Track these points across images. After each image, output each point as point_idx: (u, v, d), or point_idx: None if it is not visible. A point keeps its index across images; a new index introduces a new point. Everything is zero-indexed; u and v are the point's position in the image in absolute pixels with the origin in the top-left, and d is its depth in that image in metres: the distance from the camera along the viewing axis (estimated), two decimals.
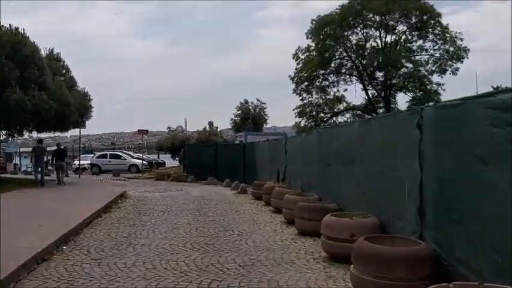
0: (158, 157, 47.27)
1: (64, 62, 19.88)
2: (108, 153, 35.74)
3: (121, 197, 13.81)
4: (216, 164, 22.78)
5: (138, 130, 30.12)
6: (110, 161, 32.89)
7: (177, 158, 38.55)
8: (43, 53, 18.42)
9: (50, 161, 23.05)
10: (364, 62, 37.70)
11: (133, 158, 35.29)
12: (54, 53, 19.51)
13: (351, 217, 6.00)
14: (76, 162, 32.99)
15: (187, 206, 12.06)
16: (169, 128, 45.95)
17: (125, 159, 33.75)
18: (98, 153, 36.24)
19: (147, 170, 32.14)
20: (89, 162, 33.78)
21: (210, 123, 39.16)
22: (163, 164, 41.68)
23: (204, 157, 23.54)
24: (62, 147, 19.37)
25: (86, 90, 20.55)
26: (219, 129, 40.09)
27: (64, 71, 19.86)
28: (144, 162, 32.87)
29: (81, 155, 39.93)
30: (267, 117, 40.45)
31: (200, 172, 22.53)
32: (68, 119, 17.75)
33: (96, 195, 13.84)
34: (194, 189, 18.10)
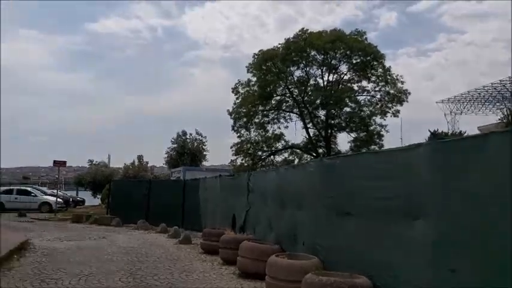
0: (77, 194, 41.91)
1: None
2: (15, 188, 30.27)
3: (19, 250, 9.94)
4: (149, 204, 19.06)
5: (54, 161, 25.51)
6: (16, 198, 27.68)
7: (99, 196, 33.85)
8: None
9: None
10: (306, 98, 36.29)
11: (46, 194, 30.25)
12: None
13: None
14: None
15: (115, 265, 8.56)
16: (91, 161, 40.93)
17: (35, 195, 28.65)
18: (2, 188, 30.66)
19: (62, 210, 27.41)
20: None
21: (140, 157, 35.06)
22: (83, 202, 36.72)
23: (133, 195, 19.70)
24: None
25: None
26: (149, 165, 36.07)
27: None
28: (59, 199, 28.07)
29: None
30: (206, 153, 37.19)
31: (128, 214, 18.78)
32: None
33: None
34: (121, 236, 14.42)
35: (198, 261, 9.45)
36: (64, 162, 26.33)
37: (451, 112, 59.12)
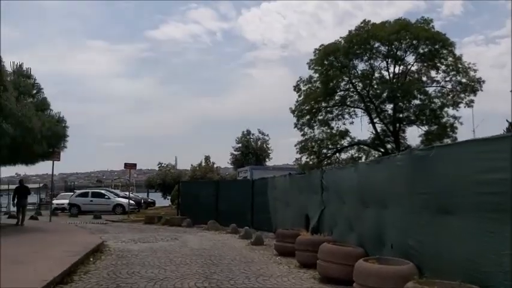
0: (148, 196, 43.24)
1: (35, 79, 16.40)
2: (90, 191, 31.63)
3: (95, 253, 10.04)
4: (218, 205, 19.01)
5: (125, 164, 26.29)
6: (91, 201, 28.91)
7: (168, 197, 34.63)
8: (9, 67, 15.10)
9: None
10: (371, 92, 34.80)
11: (119, 196, 31.32)
12: (24, 68, 16.02)
13: None
14: (55, 201, 29.16)
15: (189, 269, 8.33)
16: (160, 163, 41.99)
17: (108, 198, 29.77)
18: (78, 191, 32.17)
19: (134, 211, 28.24)
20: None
21: (207, 158, 35.39)
22: (153, 203, 37.82)
23: (202, 196, 19.80)
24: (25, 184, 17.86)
25: (61, 116, 16.95)
26: (215, 166, 36.32)
27: (35, 91, 16.30)
28: (132, 201, 28.94)
29: (63, 193, 36.07)
30: (270, 151, 36.84)
31: (198, 214, 18.85)
32: (30, 148, 13.97)
33: (59, 249, 10.00)
34: (192, 237, 14.37)
35: (273, 264, 9.02)
36: (134, 165, 27.06)
37: None
